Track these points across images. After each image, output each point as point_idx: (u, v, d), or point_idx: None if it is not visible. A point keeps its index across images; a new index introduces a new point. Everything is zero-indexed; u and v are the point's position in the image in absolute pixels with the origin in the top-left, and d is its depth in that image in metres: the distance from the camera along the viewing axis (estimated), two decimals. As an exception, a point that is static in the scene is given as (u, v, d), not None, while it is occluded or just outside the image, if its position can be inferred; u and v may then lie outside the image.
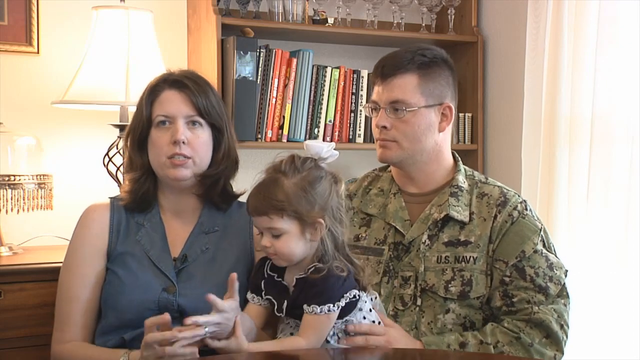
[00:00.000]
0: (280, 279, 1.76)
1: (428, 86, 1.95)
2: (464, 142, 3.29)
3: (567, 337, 1.85)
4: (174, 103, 1.88)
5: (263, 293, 1.77)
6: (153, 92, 1.91)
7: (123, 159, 2.67)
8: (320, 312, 1.67)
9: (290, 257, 1.71)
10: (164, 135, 1.87)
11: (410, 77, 1.94)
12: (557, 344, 1.83)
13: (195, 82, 1.91)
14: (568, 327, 1.85)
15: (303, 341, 1.68)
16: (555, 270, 1.88)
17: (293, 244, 1.70)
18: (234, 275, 1.68)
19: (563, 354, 1.84)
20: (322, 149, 1.77)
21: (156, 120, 1.88)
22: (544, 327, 1.81)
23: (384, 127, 1.94)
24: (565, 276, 1.90)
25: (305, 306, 1.68)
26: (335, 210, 1.73)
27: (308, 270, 1.71)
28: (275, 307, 1.74)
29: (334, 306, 1.68)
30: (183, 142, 1.84)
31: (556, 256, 1.92)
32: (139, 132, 1.90)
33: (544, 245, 1.91)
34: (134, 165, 1.93)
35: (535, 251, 1.89)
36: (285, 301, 1.72)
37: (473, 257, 1.89)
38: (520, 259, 1.87)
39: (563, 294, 1.88)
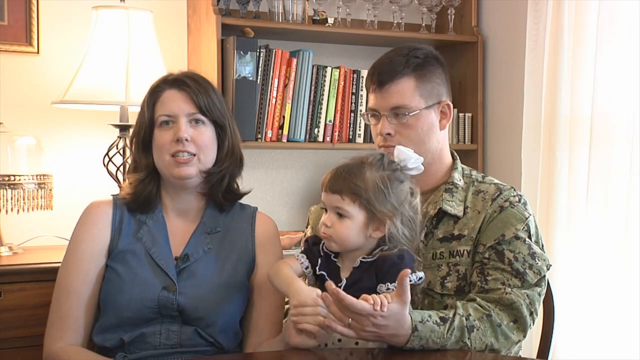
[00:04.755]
0: (335, 260, 1.78)
1: (425, 87, 1.94)
2: (464, 142, 3.29)
3: (533, 324, 1.84)
4: (175, 102, 1.88)
5: (317, 267, 1.79)
6: (154, 94, 1.92)
7: (123, 159, 2.68)
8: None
9: (344, 242, 1.74)
10: (167, 134, 1.87)
11: (407, 81, 1.92)
12: (523, 330, 1.81)
13: (195, 80, 1.91)
14: (537, 315, 1.84)
15: None
16: (537, 260, 1.86)
17: (353, 231, 1.73)
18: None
19: (525, 338, 1.84)
20: (411, 158, 1.81)
21: (159, 120, 1.88)
22: (513, 309, 1.80)
23: (388, 134, 1.93)
24: (547, 269, 1.88)
25: (381, 286, 1.70)
26: (407, 217, 1.76)
27: (374, 254, 1.74)
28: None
29: (410, 281, 1.70)
30: (186, 140, 1.85)
31: (542, 250, 1.90)
32: (142, 134, 1.91)
33: (529, 236, 1.88)
34: (139, 167, 1.93)
35: (517, 237, 1.87)
36: (345, 280, 1.74)
37: (466, 250, 1.89)
38: (499, 242, 1.86)
39: (541, 284, 1.86)
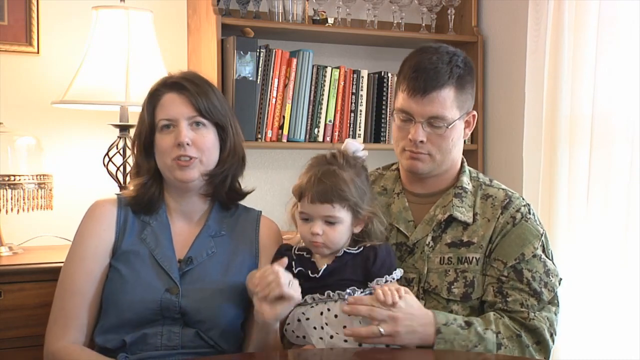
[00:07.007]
0: (309, 256, 1.82)
1: (461, 98, 1.91)
2: (464, 142, 3.28)
3: (553, 344, 1.86)
4: (174, 106, 1.88)
5: (293, 268, 1.80)
6: (154, 97, 1.92)
7: (123, 159, 2.68)
8: (396, 278, 1.77)
9: (336, 245, 1.78)
10: (168, 138, 1.87)
11: (449, 92, 1.88)
12: (545, 351, 1.84)
13: (194, 83, 1.91)
14: (556, 335, 1.87)
15: None
16: (551, 277, 1.88)
17: (343, 233, 1.78)
18: None
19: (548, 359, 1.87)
20: (360, 147, 1.88)
21: (159, 124, 1.88)
22: (537, 334, 1.82)
23: (421, 141, 1.89)
24: (559, 284, 1.90)
25: (379, 280, 1.74)
26: (378, 205, 1.86)
27: (359, 247, 1.79)
28: (309, 272, 1.78)
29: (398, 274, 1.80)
30: (187, 144, 1.85)
31: (553, 263, 1.91)
32: (143, 138, 1.91)
33: (543, 251, 1.90)
34: (142, 170, 1.93)
35: (535, 255, 1.88)
36: (327, 264, 1.77)
37: (475, 257, 1.89)
38: (519, 261, 1.87)
39: (554, 301, 1.88)
